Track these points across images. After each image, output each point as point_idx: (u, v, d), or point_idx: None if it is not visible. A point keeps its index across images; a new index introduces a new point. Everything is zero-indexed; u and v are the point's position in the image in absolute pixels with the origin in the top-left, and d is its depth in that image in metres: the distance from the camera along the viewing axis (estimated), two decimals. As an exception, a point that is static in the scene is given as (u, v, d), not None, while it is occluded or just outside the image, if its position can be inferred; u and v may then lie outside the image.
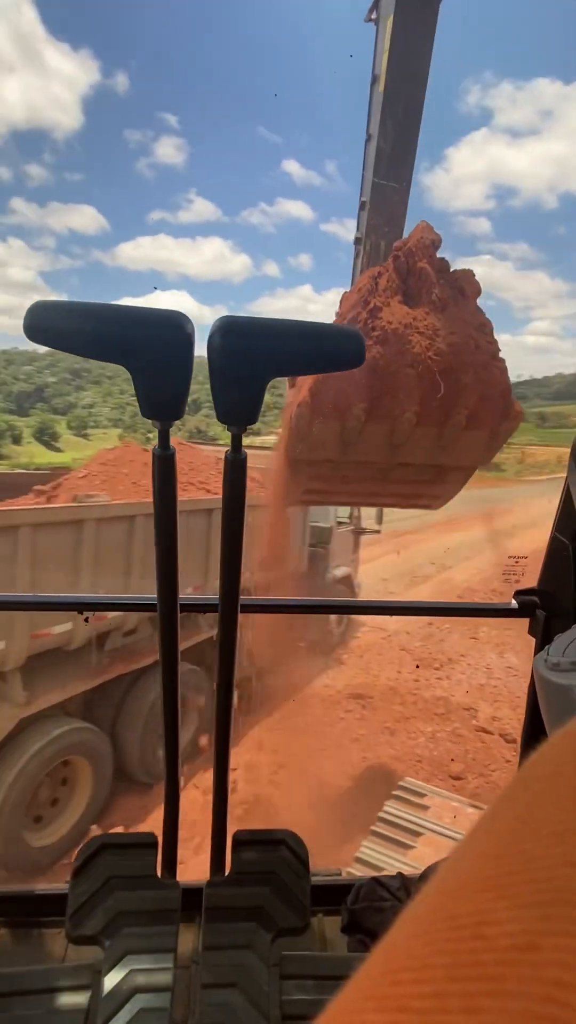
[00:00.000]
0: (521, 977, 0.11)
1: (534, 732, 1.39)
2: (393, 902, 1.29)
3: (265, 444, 5.61)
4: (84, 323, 0.71)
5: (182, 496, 4.79)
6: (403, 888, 1.33)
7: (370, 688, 6.21)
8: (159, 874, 1.18)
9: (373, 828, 3.72)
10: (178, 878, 1.19)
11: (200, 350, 0.75)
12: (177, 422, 0.80)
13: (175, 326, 0.72)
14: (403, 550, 11.33)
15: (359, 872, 3.26)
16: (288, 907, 1.15)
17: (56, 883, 1.41)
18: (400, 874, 1.38)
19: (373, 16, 3.60)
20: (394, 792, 4.00)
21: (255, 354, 0.75)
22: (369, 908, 1.30)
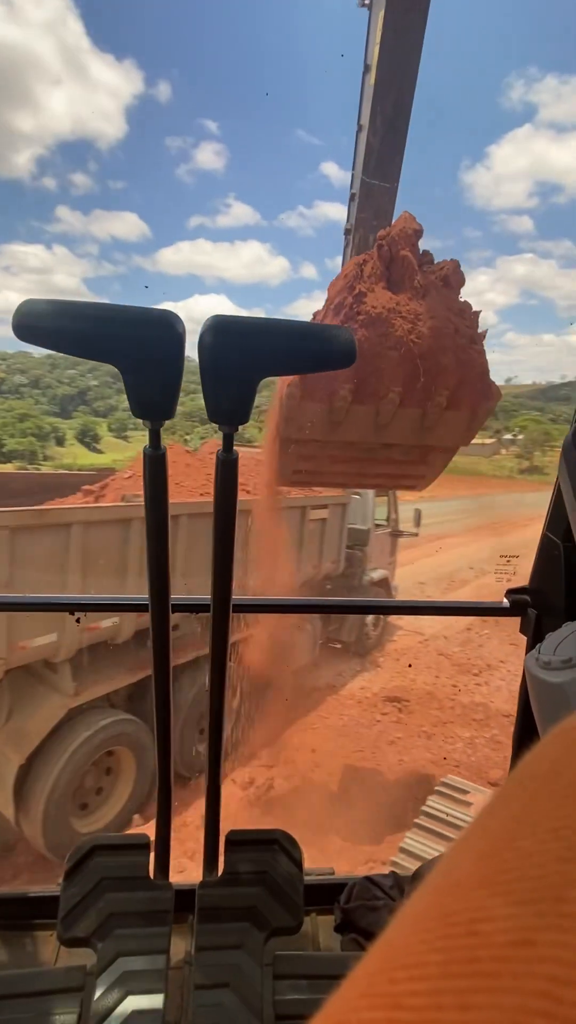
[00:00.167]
0: (516, 973, 0.11)
1: (526, 731, 1.39)
2: (386, 901, 1.30)
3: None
4: (74, 323, 0.69)
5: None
6: (396, 887, 1.33)
7: (407, 692, 6.16)
8: (152, 875, 1.17)
9: (416, 821, 3.76)
10: (171, 879, 1.18)
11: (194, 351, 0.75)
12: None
13: (165, 326, 0.71)
14: (441, 553, 11.19)
15: (404, 863, 3.34)
16: (281, 907, 1.14)
17: (48, 885, 1.44)
18: (393, 873, 1.38)
19: (367, 1, 3.60)
20: (436, 788, 4.02)
21: (246, 354, 0.74)
22: (362, 907, 1.30)
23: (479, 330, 3.57)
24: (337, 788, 4.71)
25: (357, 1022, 0.12)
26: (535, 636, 1.32)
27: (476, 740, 5.36)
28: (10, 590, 3.68)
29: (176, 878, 1.20)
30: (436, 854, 3.26)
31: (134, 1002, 0.99)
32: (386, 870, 1.45)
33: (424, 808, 3.86)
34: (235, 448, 0.84)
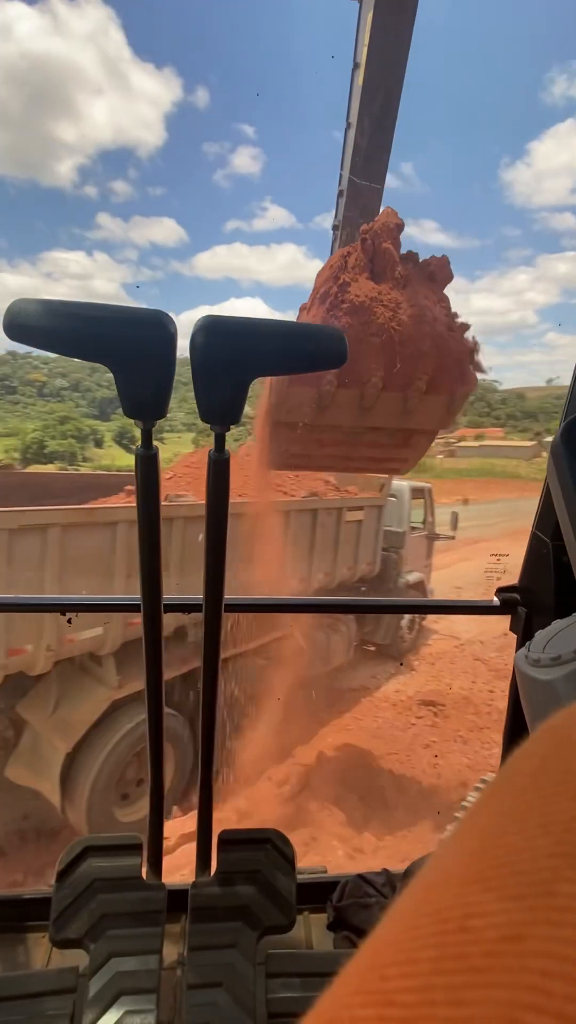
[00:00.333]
0: (507, 968, 0.11)
1: (516, 728, 1.39)
2: (378, 898, 1.29)
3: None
4: (65, 322, 0.69)
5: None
6: (388, 884, 1.33)
7: (442, 696, 6.11)
8: (144, 876, 1.16)
9: (456, 815, 3.76)
10: (164, 879, 1.18)
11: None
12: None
13: (157, 325, 0.71)
14: (479, 557, 11.01)
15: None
16: (274, 905, 1.14)
17: (39, 887, 1.41)
18: (385, 870, 1.38)
19: None
20: (476, 785, 4.02)
21: (237, 354, 0.74)
22: (354, 905, 1.30)
23: (459, 319, 3.81)
24: (371, 788, 4.72)
25: (349, 1019, 0.12)
26: (525, 634, 1.33)
27: (513, 746, 5.28)
28: (64, 584, 3.85)
29: (169, 878, 1.21)
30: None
31: (127, 1003, 0.98)
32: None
33: (464, 804, 3.87)
34: (227, 448, 0.84)
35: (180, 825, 3.86)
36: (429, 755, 5.16)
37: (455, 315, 3.79)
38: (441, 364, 3.66)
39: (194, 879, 1.19)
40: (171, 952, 1.21)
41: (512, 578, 1.41)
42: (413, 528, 7.10)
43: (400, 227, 3.79)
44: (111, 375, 0.72)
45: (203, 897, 1.14)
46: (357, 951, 0.15)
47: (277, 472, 5.34)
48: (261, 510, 4.96)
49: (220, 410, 0.77)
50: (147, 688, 1.06)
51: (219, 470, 0.85)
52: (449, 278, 3.87)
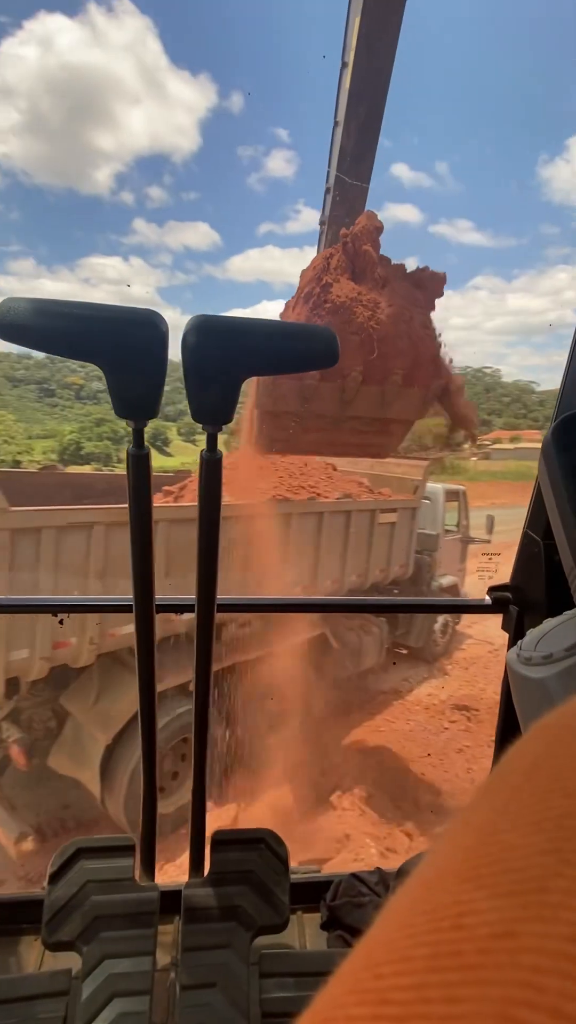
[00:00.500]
0: (499, 965, 0.11)
1: (508, 727, 1.39)
2: (372, 897, 1.29)
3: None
4: (55, 322, 0.68)
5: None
6: (381, 883, 1.33)
7: (476, 701, 6.04)
8: (137, 877, 1.16)
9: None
10: (157, 880, 1.18)
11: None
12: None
13: (148, 325, 0.70)
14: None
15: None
16: (267, 905, 1.14)
17: (31, 889, 1.40)
18: (378, 869, 1.38)
19: None
20: None
21: (229, 354, 0.73)
22: (348, 904, 1.30)
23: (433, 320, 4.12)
24: (404, 790, 4.71)
25: (344, 1019, 0.12)
26: (516, 632, 1.33)
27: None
28: (107, 581, 3.99)
29: (162, 879, 1.21)
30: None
31: (120, 1005, 0.98)
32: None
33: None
34: (219, 448, 0.84)
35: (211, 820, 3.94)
36: (463, 760, 5.12)
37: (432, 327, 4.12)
38: (416, 359, 3.94)
39: (187, 880, 1.18)
40: (164, 953, 1.21)
41: (503, 577, 1.42)
42: (447, 531, 7.04)
43: (379, 230, 3.99)
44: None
45: (196, 898, 1.14)
46: (352, 950, 0.15)
47: (287, 474, 5.48)
48: (254, 511, 5.04)
49: (212, 410, 0.77)
50: (139, 689, 1.05)
51: (211, 470, 0.85)
52: (439, 294, 4.16)
